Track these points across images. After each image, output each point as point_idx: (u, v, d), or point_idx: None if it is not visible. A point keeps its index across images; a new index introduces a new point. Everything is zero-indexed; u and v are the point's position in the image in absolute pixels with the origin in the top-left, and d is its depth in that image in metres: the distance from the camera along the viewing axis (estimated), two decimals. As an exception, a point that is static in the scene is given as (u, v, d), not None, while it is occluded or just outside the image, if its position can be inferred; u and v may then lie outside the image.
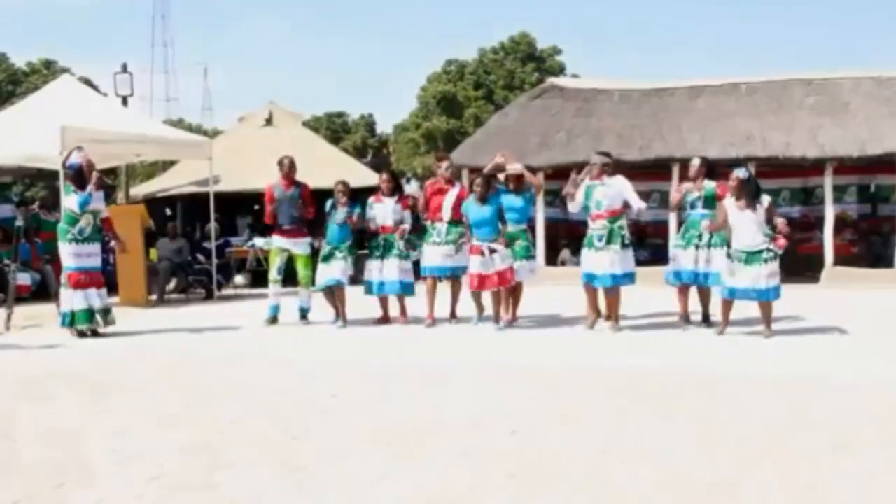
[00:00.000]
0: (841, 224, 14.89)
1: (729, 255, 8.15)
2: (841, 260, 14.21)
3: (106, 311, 9.14)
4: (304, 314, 9.80)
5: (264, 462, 4.37)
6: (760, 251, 7.95)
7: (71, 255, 8.95)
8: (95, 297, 9.01)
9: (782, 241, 8.00)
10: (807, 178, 16.29)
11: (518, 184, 9.38)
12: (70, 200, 8.98)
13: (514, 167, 9.44)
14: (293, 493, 3.92)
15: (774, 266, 7.99)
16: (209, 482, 4.06)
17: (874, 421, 5.08)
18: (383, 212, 9.51)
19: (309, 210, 9.82)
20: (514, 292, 9.29)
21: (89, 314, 8.98)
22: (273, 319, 9.72)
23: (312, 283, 9.76)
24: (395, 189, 9.69)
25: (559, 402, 5.68)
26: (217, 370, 7.20)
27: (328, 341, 8.75)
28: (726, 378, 6.41)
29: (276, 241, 9.85)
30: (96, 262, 9.16)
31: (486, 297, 9.17)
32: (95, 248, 9.16)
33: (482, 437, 4.78)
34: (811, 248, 14.84)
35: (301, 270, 9.77)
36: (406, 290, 9.55)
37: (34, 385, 6.55)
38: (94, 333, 9.07)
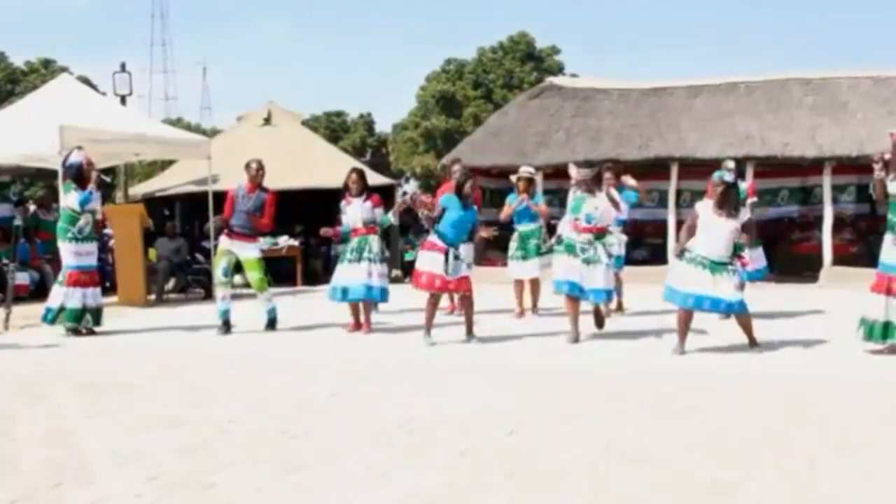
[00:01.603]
0: (840, 224, 14.90)
1: (684, 258, 7.37)
2: (840, 259, 14.20)
3: (97, 311, 9.20)
4: (272, 322, 9.28)
5: (263, 462, 4.36)
6: (726, 263, 7.30)
7: (71, 254, 9.03)
8: (91, 297, 9.10)
9: (746, 261, 7.65)
10: (805, 177, 16.28)
11: (528, 188, 9.64)
12: (70, 198, 9.03)
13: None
14: (292, 492, 3.92)
15: (739, 279, 7.29)
16: (208, 482, 4.06)
17: (874, 421, 5.08)
18: (353, 214, 9.01)
19: (263, 221, 9.26)
20: (534, 288, 9.96)
21: (79, 313, 9.02)
22: (225, 324, 9.07)
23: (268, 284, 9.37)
24: (364, 188, 9.07)
25: (559, 402, 5.68)
26: (217, 370, 7.19)
27: (328, 341, 8.74)
28: (726, 378, 6.41)
29: (222, 242, 9.26)
30: (94, 260, 9.32)
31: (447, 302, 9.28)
32: (93, 247, 9.33)
33: (482, 437, 4.78)
34: (810, 247, 14.84)
35: (252, 275, 9.22)
36: (375, 295, 9.01)
37: (33, 385, 6.54)
38: (86, 331, 9.10)
